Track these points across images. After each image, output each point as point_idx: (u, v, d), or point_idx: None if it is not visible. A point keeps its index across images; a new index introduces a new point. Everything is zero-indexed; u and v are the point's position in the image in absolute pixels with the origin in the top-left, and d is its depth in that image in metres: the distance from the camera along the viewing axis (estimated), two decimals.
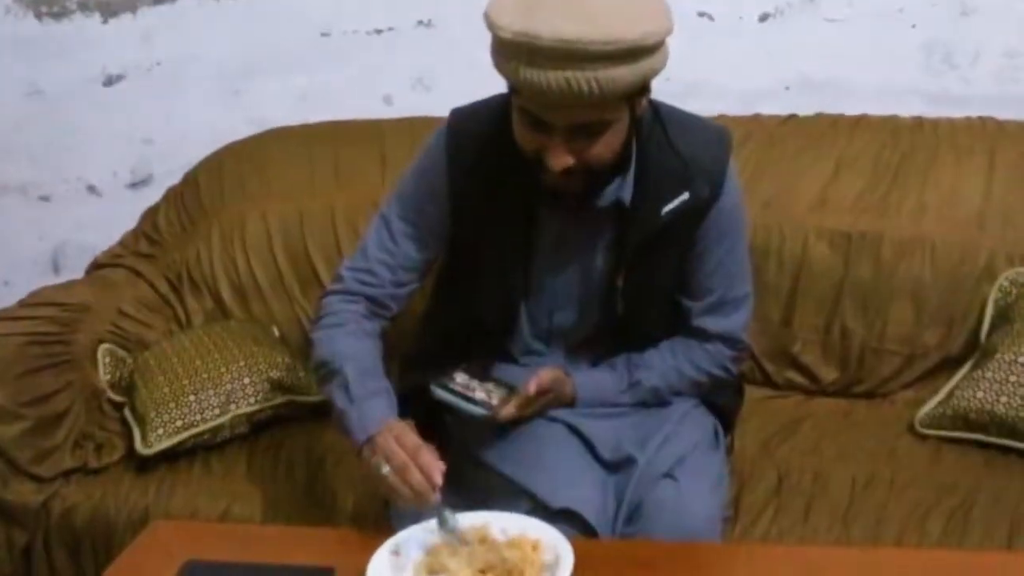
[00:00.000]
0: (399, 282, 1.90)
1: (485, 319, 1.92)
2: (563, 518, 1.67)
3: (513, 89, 1.65)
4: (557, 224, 1.83)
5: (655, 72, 1.61)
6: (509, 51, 1.56)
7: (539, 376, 1.78)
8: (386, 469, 1.64)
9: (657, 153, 1.78)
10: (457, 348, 1.92)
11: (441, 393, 1.76)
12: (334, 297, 1.91)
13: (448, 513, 1.60)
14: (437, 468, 1.61)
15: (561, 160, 1.63)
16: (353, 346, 1.84)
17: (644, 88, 1.65)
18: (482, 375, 1.82)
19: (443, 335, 2.00)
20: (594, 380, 1.89)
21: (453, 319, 1.98)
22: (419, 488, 1.60)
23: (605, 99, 1.57)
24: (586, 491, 1.74)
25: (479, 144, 1.81)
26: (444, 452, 1.83)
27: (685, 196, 1.78)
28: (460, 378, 1.79)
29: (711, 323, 1.92)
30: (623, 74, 1.54)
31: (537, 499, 1.71)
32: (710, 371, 1.93)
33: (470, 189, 1.83)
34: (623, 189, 1.78)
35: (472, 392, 1.77)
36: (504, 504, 1.69)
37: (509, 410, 1.76)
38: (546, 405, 1.83)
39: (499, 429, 1.82)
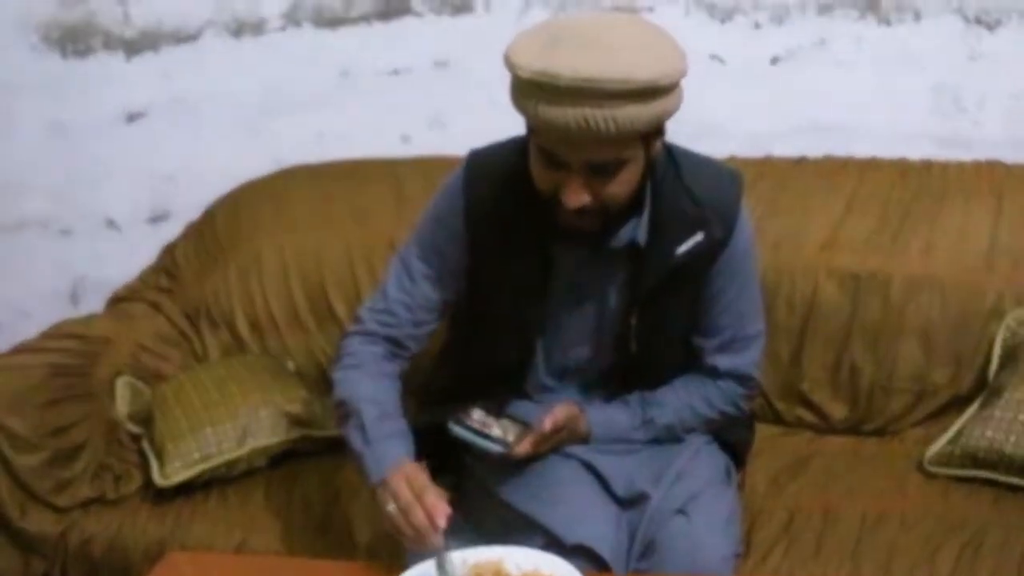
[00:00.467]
0: (418, 322, 1.92)
1: (501, 357, 1.93)
2: (578, 554, 1.68)
3: (531, 128, 1.67)
4: (572, 264, 1.85)
5: (670, 113, 1.63)
6: (528, 90, 1.58)
7: (554, 413, 1.79)
8: (392, 507, 1.65)
9: (671, 195, 1.80)
10: (473, 385, 1.93)
11: (459, 431, 1.77)
12: (355, 338, 1.93)
13: (448, 557, 1.58)
14: (441, 511, 1.61)
15: (578, 198, 1.64)
16: (371, 387, 1.86)
17: (659, 129, 1.67)
18: (498, 412, 1.83)
19: (459, 372, 2.02)
20: (608, 417, 1.91)
21: (469, 356, 2.00)
22: (421, 528, 1.61)
23: (622, 137, 1.59)
24: (601, 527, 1.75)
25: (496, 185, 1.83)
26: (460, 488, 1.85)
27: (699, 237, 1.80)
28: (477, 415, 1.80)
29: (723, 361, 1.93)
30: (639, 113, 1.57)
31: (552, 535, 1.72)
32: (722, 408, 1.95)
33: (487, 229, 1.84)
34: (638, 230, 1.80)
35: (489, 429, 1.78)
36: (519, 539, 1.69)
37: (525, 447, 1.77)
38: (561, 442, 1.84)
39: (514, 465, 1.83)
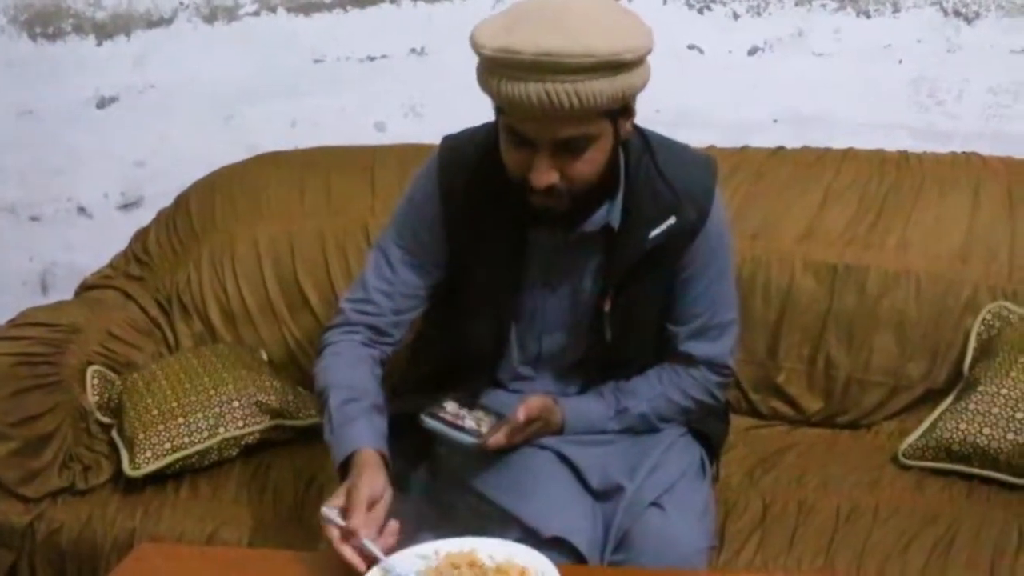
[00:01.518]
0: (399, 309, 1.92)
1: (475, 343, 1.93)
2: (553, 546, 1.68)
3: (498, 108, 1.68)
4: (547, 249, 1.85)
5: (635, 89, 1.64)
6: (491, 67, 1.60)
7: (528, 404, 1.79)
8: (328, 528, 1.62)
9: (645, 179, 1.81)
10: (447, 373, 1.94)
11: (431, 423, 1.76)
12: (335, 330, 1.93)
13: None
14: (358, 562, 1.57)
15: (545, 177, 1.65)
16: (344, 374, 1.86)
17: (626, 108, 1.69)
18: (471, 404, 1.83)
19: (433, 360, 2.02)
20: (582, 407, 1.91)
21: (443, 344, 2.00)
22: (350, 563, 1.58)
23: (586, 113, 1.60)
24: (577, 520, 1.75)
25: (470, 169, 1.84)
26: (435, 479, 1.85)
27: (672, 221, 1.81)
28: (450, 407, 1.79)
29: (697, 348, 1.94)
30: (602, 87, 1.58)
31: (528, 527, 1.71)
32: (697, 397, 1.95)
33: (461, 213, 1.85)
34: (612, 214, 1.81)
35: (462, 420, 1.77)
36: (495, 531, 1.69)
37: (498, 438, 1.76)
38: (535, 433, 1.84)
39: (489, 457, 1.82)
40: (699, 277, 1.89)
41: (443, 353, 2.00)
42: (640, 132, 1.82)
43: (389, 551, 1.61)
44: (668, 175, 1.82)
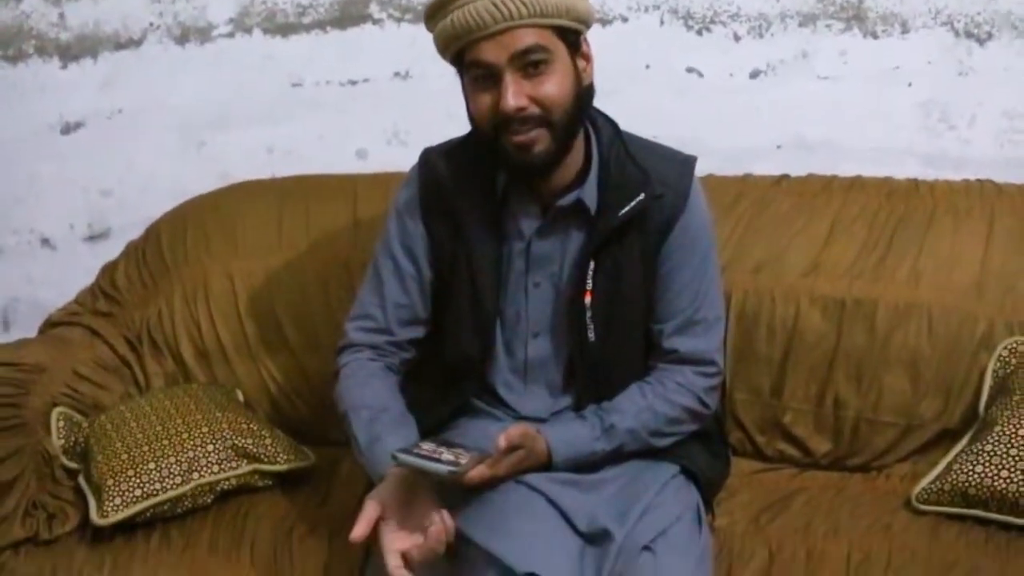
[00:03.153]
0: (398, 319, 2.05)
1: (464, 349, 2.01)
2: None
3: (457, 63, 1.87)
4: (524, 246, 1.96)
5: (577, 10, 1.83)
6: (439, 9, 1.81)
7: (508, 432, 1.82)
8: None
9: (617, 163, 1.94)
10: (441, 382, 2.05)
11: (405, 457, 1.76)
12: (343, 353, 2.07)
13: None
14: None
15: (516, 98, 1.80)
16: (359, 393, 1.99)
17: (577, 37, 1.87)
18: (449, 443, 1.84)
19: (427, 371, 2.10)
20: (567, 433, 1.93)
21: (436, 356, 2.08)
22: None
23: (535, 20, 1.78)
24: (555, 559, 1.75)
25: (448, 169, 2.00)
26: None
27: (641, 197, 1.91)
28: (427, 446, 1.80)
29: (682, 344, 1.99)
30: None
31: (504, 565, 1.73)
32: (684, 404, 1.99)
33: (442, 211, 1.99)
34: (586, 192, 1.92)
35: (438, 455, 1.78)
36: (478, 567, 1.74)
37: (481, 470, 1.80)
38: (518, 464, 1.86)
39: (471, 496, 1.85)
40: (680, 269, 1.96)
41: (436, 364, 2.08)
42: (611, 122, 1.97)
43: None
44: (639, 159, 1.95)
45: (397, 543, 1.71)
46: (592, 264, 1.94)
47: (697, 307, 2.00)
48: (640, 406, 1.97)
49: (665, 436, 1.99)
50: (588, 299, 1.94)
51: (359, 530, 1.69)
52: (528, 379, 2.04)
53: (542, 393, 2.04)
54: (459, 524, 1.83)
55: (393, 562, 1.69)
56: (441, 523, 1.72)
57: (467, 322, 2.00)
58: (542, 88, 1.82)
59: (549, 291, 1.99)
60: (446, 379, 2.05)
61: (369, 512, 1.72)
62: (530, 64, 1.80)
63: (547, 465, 1.89)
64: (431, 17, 1.86)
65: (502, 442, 1.79)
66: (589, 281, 1.94)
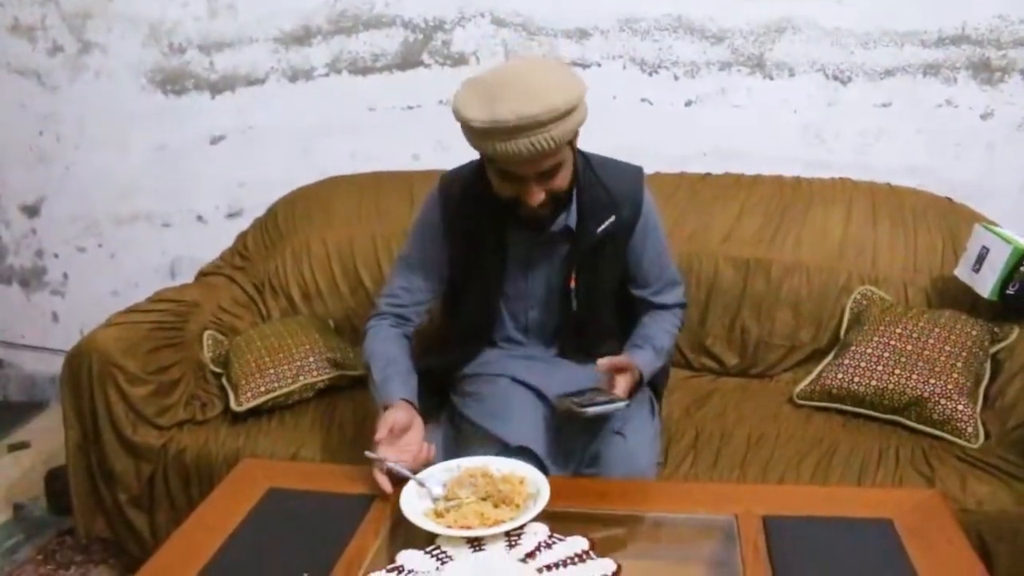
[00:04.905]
0: (416, 301, 1.94)
1: (474, 316, 1.94)
2: (521, 454, 1.68)
3: (490, 159, 1.68)
4: (524, 248, 1.87)
5: (584, 120, 1.66)
6: (484, 135, 1.59)
7: (612, 361, 1.73)
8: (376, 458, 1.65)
9: (589, 188, 1.82)
10: (456, 338, 1.97)
11: (590, 410, 1.64)
12: (372, 319, 1.96)
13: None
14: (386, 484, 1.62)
15: (536, 198, 1.68)
16: (380, 347, 1.88)
17: (576, 133, 1.70)
18: (582, 393, 1.72)
19: (446, 332, 2.03)
20: (642, 358, 1.83)
21: (452, 318, 2.01)
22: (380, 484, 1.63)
23: (558, 148, 1.62)
24: (539, 436, 1.73)
25: (462, 193, 1.85)
26: (452, 417, 1.88)
27: (612, 219, 1.82)
28: (584, 398, 1.68)
29: (668, 298, 1.95)
30: (567, 127, 1.60)
31: (503, 441, 1.71)
32: (676, 330, 1.96)
33: (458, 226, 1.86)
34: (569, 217, 1.82)
35: (594, 398, 1.68)
36: (483, 445, 1.72)
37: (622, 387, 1.72)
38: (632, 380, 1.77)
39: (478, 390, 1.83)
40: (645, 251, 1.89)
41: (452, 324, 2.00)
42: (581, 153, 1.82)
43: (425, 467, 1.62)
44: (606, 183, 1.83)
45: (390, 455, 1.63)
46: (576, 264, 1.85)
47: (662, 273, 1.93)
48: (658, 329, 1.90)
49: (672, 350, 1.96)
50: (572, 284, 1.85)
51: (387, 488, 1.62)
52: (528, 336, 1.96)
53: (539, 344, 1.96)
54: (465, 412, 1.83)
55: (381, 476, 1.62)
56: (427, 452, 1.66)
57: (476, 298, 1.90)
58: (555, 183, 1.68)
59: (542, 278, 1.89)
60: (458, 336, 1.96)
61: (384, 428, 1.65)
62: (548, 173, 1.66)
63: (639, 379, 1.80)
64: (470, 132, 1.63)
65: (610, 364, 1.71)
66: (573, 274, 1.85)
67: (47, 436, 2.99)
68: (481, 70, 2.60)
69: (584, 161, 1.83)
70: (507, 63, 1.74)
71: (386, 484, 1.61)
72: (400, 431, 1.67)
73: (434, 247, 1.89)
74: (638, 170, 1.89)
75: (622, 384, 1.73)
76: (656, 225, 1.90)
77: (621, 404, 1.66)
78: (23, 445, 2.98)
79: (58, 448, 2.35)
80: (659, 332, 1.90)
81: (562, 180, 1.70)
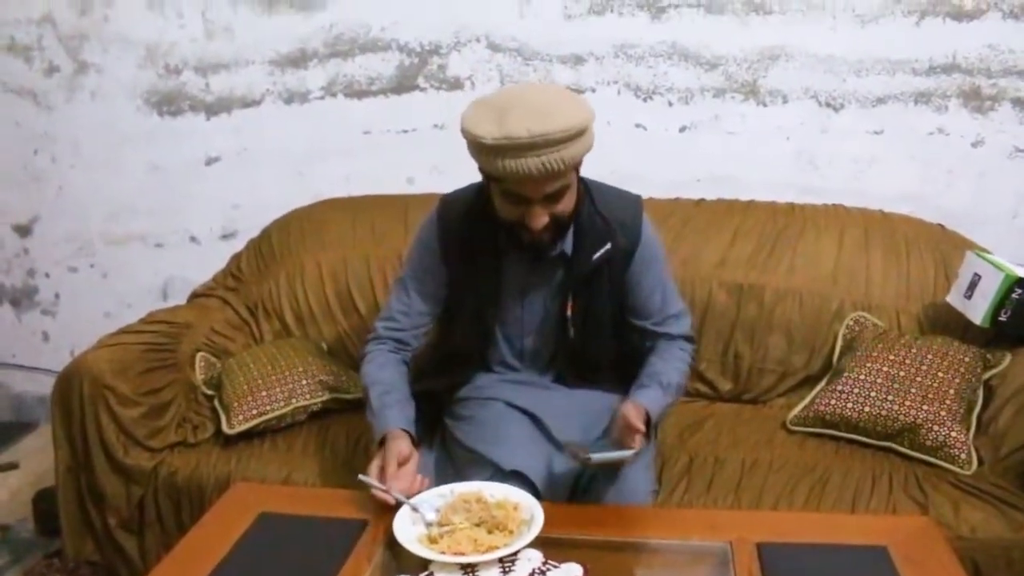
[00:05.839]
0: (415, 325, 1.92)
1: (469, 341, 1.92)
2: (515, 479, 1.67)
3: (496, 178, 1.65)
4: (520, 273, 1.85)
5: (591, 145, 1.64)
6: (494, 152, 1.57)
7: (631, 414, 1.67)
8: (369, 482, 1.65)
9: (587, 216, 1.80)
10: (452, 363, 1.94)
11: (599, 457, 1.61)
12: (370, 343, 1.94)
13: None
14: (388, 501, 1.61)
15: (540, 221, 1.66)
16: (378, 374, 1.86)
17: (582, 159, 1.68)
18: (587, 444, 1.68)
19: (441, 355, 2.00)
20: (649, 398, 1.77)
21: (448, 343, 1.98)
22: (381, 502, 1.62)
23: (567, 170, 1.60)
24: (532, 460, 1.72)
25: (460, 217, 1.84)
26: (444, 440, 1.86)
27: (608, 247, 1.80)
28: (597, 446, 1.65)
29: (673, 328, 1.89)
30: (577, 149, 1.59)
31: (496, 465, 1.70)
32: (686, 365, 1.88)
33: (456, 249, 1.85)
34: (565, 244, 1.80)
35: (609, 448, 1.65)
36: (476, 469, 1.71)
37: (636, 440, 1.64)
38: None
39: (471, 415, 1.82)
40: (644, 279, 1.85)
41: (448, 349, 1.98)
42: (581, 179, 1.79)
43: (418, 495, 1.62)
44: (604, 212, 1.81)
45: (396, 484, 1.63)
46: (572, 291, 1.83)
47: (665, 303, 1.87)
48: (667, 367, 1.83)
49: (682, 386, 1.88)
50: (569, 312, 1.83)
51: (389, 501, 1.61)
52: (523, 361, 1.94)
53: (533, 370, 1.94)
54: (458, 435, 1.81)
55: (380, 493, 1.62)
56: (420, 484, 1.65)
57: (472, 324, 1.88)
58: (559, 207, 1.67)
59: (539, 305, 1.87)
60: (454, 361, 1.93)
61: (393, 462, 1.65)
62: (554, 197, 1.65)
63: (647, 421, 1.70)
64: (479, 149, 1.60)
65: (632, 422, 1.64)
66: (570, 300, 1.82)
67: (36, 457, 2.97)
68: (479, 94, 2.63)
69: (584, 188, 1.81)
70: (516, 86, 1.74)
71: (388, 498, 1.60)
72: (401, 462, 1.68)
73: (432, 269, 1.88)
74: (636, 199, 1.87)
75: (637, 440, 1.64)
76: (656, 256, 1.86)
77: (628, 452, 1.62)
78: (11, 466, 2.96)
79: (47, 469, 2.33)
80: (666, 369, 1.82)
81: (566, 204, 1.69)
